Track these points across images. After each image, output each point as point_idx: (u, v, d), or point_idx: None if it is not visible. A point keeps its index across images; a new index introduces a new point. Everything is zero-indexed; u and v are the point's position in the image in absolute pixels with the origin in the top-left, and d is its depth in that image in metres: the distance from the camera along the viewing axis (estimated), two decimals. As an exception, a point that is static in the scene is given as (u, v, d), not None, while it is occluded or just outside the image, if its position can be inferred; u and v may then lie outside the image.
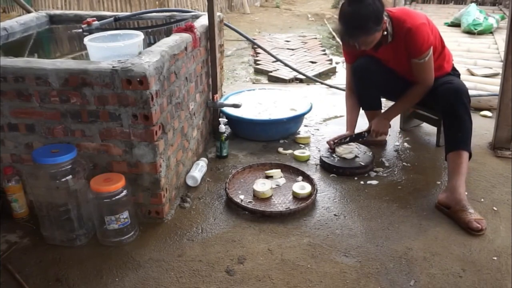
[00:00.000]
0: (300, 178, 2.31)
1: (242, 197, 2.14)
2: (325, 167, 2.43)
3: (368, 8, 2.03)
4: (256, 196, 2.15)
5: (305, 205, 2.05)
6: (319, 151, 2.61)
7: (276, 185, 2.25)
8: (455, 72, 2.46)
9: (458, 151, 2.10)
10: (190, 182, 2.24)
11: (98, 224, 1.83)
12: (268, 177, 2.31)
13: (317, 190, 2.17)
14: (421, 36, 2.15)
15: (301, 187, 2.17)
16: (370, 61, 2.40)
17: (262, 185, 2.17)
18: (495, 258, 1.76)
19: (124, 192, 1.78)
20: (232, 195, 2.12)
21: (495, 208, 2.07)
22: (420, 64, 2.22)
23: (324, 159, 2.45)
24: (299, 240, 1.87)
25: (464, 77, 3.74)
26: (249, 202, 2.11)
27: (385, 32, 2.18)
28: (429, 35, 2.18)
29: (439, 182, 2.29)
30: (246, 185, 2.25)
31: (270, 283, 1.64)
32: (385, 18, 2.14)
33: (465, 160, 2.08)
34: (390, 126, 2.51)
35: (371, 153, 2.50)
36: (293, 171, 2.36)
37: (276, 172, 2.32)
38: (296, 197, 2.14)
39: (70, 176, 1.74)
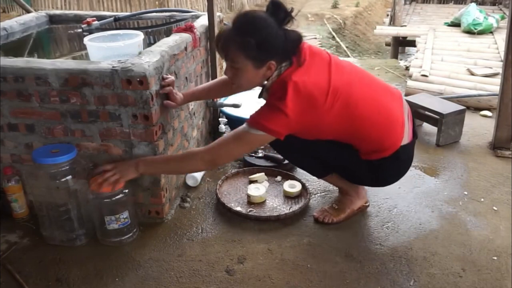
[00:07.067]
0: (279, 178, 2.26)
1: (238, 208, 2.04)
2: (325, 167, 2.42)
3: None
4: (252, 202, 2.08)
5: (305, 205, 2.05)
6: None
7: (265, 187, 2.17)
8: (399, 156, 1.74)
9: None
10: (190, 182, 2.24)
11: (98, 224, 1.83)
12: (252, 181, 2.22)
13: (304, 185, 2.16)
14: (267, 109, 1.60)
15: (291, 186, 2.15)
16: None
17: (256, 190, 2.11)
18: (495, 258, 1.76)
19: (124, 192, 1.78)
20: (230, 206, 2.04)
21: (495, 208, 2.07)
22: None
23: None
24: (299, 240, 1.87)
25: (464, 77, 3.77)
26: (249, 210, 2.03)
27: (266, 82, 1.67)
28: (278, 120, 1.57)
29: (439, 182, 2.29)
30: (236, 193, 2.17)
31: (270, 283, 1.64)
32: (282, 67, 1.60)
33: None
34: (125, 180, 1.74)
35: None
36: (273, 172, 2.30)
37: (260, 176, 2.24)
38: (289, 196, 2.12)
39: (70, 176, 1.74)
